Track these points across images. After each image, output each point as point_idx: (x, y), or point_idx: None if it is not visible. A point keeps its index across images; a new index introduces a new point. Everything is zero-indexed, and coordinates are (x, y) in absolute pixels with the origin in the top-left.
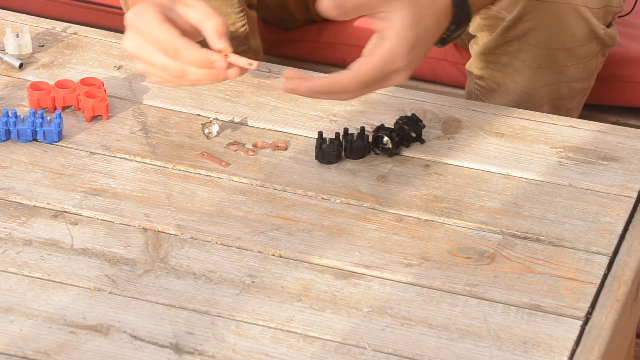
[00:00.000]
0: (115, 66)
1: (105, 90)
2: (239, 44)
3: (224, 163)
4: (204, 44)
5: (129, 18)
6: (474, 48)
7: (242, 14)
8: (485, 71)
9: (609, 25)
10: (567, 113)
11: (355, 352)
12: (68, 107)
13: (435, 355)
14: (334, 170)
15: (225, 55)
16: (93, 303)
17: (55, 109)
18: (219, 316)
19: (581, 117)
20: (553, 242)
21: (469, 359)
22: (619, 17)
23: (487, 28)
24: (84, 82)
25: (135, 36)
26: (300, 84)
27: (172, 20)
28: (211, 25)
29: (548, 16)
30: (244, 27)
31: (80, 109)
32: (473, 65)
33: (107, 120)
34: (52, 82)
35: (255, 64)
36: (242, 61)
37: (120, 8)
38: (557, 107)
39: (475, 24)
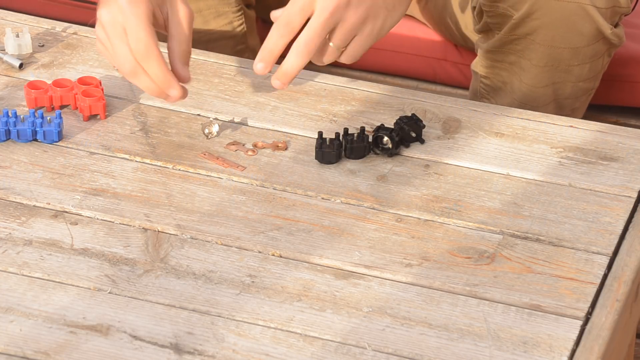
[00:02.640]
0: (115, 66)
1: (102, 89)
2: (236, 43)
3: (240, 167)
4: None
5: (123, 1)
6: (480, 46)
7: (239, 13)
8: (491, 70)
9: (616, 26)
10: (572, 113)
11: (355, 352)
12: (65, 106)
13: (435, 355)
14: (334, 170)
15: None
16: (93, 303)
17: (52, 108)
18: (219, 316)
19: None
20: (553, 242)
21: (469, 359)
22: None
23: (494, 26)
24: (82, 81)
25: (117, 16)
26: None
27: (155, 17)
28: (176, 48)
29: (555, 15)
30: (242, 27)
31: (77, 108)
32: (479, 64)
33: (106, 120)
34: (50, 82)
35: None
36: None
37: None
38: (562, 107)
39: (482, 23)
